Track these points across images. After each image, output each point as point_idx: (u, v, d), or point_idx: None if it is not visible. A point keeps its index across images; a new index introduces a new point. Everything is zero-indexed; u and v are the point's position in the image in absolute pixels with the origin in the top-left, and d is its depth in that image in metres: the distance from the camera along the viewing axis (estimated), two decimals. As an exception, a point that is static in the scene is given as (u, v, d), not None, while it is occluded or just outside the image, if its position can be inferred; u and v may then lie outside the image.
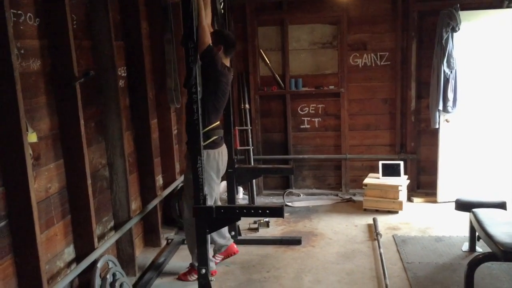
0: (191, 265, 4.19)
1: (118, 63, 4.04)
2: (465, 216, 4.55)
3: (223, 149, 4.15)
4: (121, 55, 4.33)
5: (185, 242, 4.47)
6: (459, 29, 5.42)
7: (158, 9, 4.93)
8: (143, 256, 4.67)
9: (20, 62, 2.87)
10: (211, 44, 3.77)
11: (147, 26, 4.90)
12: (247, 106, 6.33)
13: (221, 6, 4.49)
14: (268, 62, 6.34)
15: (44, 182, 3.13)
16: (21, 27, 2.94)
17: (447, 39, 5.45)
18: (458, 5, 5.43)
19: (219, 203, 4.37)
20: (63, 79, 3.23)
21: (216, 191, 4.11)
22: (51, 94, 3.23)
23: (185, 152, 4.28)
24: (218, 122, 4.09)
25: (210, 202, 3.92)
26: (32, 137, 2.88)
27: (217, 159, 4.01)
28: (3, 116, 2.64)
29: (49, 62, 3.20)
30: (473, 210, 4.13)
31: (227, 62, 4.08)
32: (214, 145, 3.95)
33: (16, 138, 2.65)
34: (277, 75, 6.35)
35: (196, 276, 3.76)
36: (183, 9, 3.20)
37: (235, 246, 4.45)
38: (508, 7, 5.52)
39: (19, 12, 2.92)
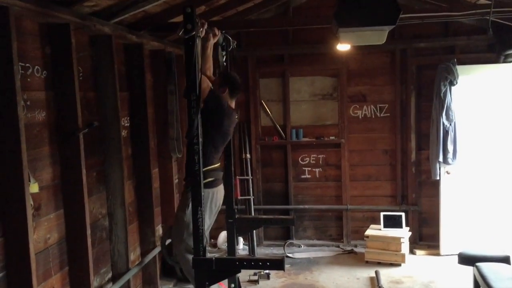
0: None
1: (122, 113, 4.10)
2: (469, 270, 4.47)
3: (220, 189, 4.07)
4: (125, 106, 4.40)
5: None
6: (457, 82, 5.53)
7: (162, 61, 5.06)
8: (140, 308, 4.57)
9: (25, 113, 2.92)
10: (212, 88, 3.81)
11: (151, 78, 5.01)
12: (248, 155, 6.36)
13: (224, 59, 4.60)
14: (269, 113, 6.42)
15: (43, 233, 3.11)
16: (28, 79, 3.01)
17: (445, 93, 5.54)
18: (455, 59, 5.56)
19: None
20: (67, 129, 3.27)
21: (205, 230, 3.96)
22: (54, 144, 3.26)
23: (182, 189, 4.19)
24: (218, 164, 4.03)
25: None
26: (33, 187, 2.89)
27: (210, 198, 3.93)
28: (6, 166, 2.67)
29: (54, 113, 3.25)
30: (477, 264, 4.06)
31: (232, 104, 4.10)
32: (209, 184, 3.85)
33: (17, 189, 2.66)
34: (278, 126, 6.42)
35: None
36: (186, 62, 3.28)
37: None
38: (504, 62, 5.64)
39: (27, 65, 3.00)
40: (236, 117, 4.17)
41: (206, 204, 3.88)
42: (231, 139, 4.25)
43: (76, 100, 3.28)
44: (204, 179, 3.74)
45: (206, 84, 3.75)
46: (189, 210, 3.83)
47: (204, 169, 3.68)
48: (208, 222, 3.91)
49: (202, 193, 3.54)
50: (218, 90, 3.91)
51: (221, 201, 4.16)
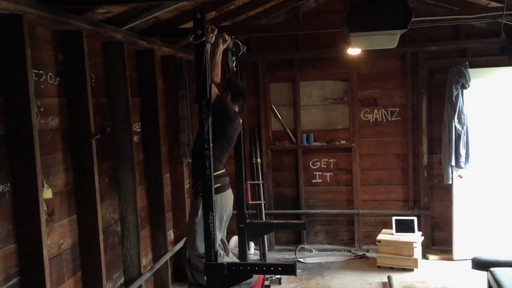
0: None
1: (134, 119, 4.13)
2: (483, 275, 4.42)
3: (228, 194, 4.06)
4: (136, 111, 4.43)
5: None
6: (469, 86, 5.49)
7: (173, 67, 5.09)
8: (152, 314, 4.57)
9: (39, 120, 2.95)
10: (218, 94, 3.82)
11: (162, 83, 5.03)
12: (259, 160, 6.36)
13: (233, 64, 4.61)
14: (280, 117, 6.42)
15: (56, 238, 3.13)
16: (42, 86, 3.04)
17: (457, 96, 5.51)
18: (467, 63, 5.53)
19: (219, 251, 4.20)
20: (80, 135, 3.30)
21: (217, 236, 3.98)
22: (67, 150, 3.29)
23: (190, 198, 4.15)
24: (223, 170, 4.03)
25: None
26: (47, 193, 2.91)
27: (219, 204, 3.88)
28: (20, 172, 2.69)
29: (67, 119, 3.28)
30: (491, 269, 4.02)
31: (235, 108, 4.08)
32: (217, 190, 3.71)
33: (32, 195, 2.69)
34: (288, 130, 6.42)
35: None
36: (196, 67, 3.30)
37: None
38: (516, 64, 5.60)
39: (40, 72, 3.03)
40: (240, 121, 4.15)
41: (215, 210, 3.84)
42: (237, 145, 4.23)
43: (89, 106, 3.30)
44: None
45: (213, 91, 3.74)
46: (198, 218, 3.85)
47: None
48: (219, 232, 3.90)
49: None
50: (221, 94, 3.92)
51: (231, 207, 4.15)
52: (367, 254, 6.13)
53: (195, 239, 3.93)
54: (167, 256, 4.72)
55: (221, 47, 3.90)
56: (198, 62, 3.25)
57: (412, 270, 5.52)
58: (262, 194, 6.31)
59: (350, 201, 6.38)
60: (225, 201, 4.05)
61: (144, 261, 4.35)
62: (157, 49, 4.61)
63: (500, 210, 5.64)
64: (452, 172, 5.66)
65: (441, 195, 6.10)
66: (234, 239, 6.06)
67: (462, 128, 5.55)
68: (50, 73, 3.12)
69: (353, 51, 5.43)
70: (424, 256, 5.89)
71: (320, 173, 6.44)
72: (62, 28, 3.16)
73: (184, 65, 5.15)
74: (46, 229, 2.86)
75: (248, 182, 6.19)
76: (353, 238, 6.39)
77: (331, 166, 6.41)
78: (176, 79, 5.10)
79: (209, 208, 3.31)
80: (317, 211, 6.43)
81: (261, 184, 6.32)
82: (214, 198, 3.74)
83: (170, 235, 5.14)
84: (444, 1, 5.45)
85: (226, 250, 4.21)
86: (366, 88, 6.23)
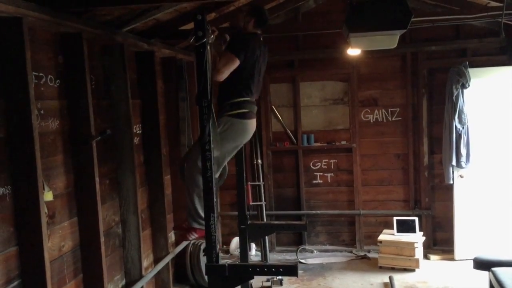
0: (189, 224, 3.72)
1: (134, 121, 4.12)
2: (485, 275, 4.41)
3: (252, 123, 3.86)
4: (137, 113, 4.42)
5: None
6: (469, 85, 5.49)
7: (173, 68, 5.09)
8: (154, 315, 4.57)
9: (39, 122, 2.94)
10: (233, 53, 3.63)
11: (162, 85, 5.03)
12: (259, 161, 6.36)
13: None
14: (280, 118, 6.42)
15: (57, 241, 3.13)
16: (42, 89, 3.04)
17: (457, 96, 5.50)
18: (467, 62, 5.52)
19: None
20: (80, 138, 3.30)
21: (226, 160, 3.80)
22: (68, 153, 3.29)
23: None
24: (250, 99, 3.81)
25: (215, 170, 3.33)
26: (48, 195, 2.91)
27: (241, 129, 3.74)
28: (21, 175, 2.69)
29: (67, 121, 3.28)
30: (493, 269, 4.01)
31: (258, 31, 3.92)
32: (243, 115, 3.71)
33: (32, 197, 2.69)
34: (289, 131, 6.41)
35: (196, 235, 3.59)
36: (197, 68, 3.29)
37: None
38: (517, 64, 5.60)
39: (41, 74, 3.03)
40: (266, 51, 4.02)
41: (233, 133, 3.73)
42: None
43: (89, 108, 3.30)
44: (238, 109, 3.69)
45: (231, 60, 3.59)
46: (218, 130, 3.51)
47: (236, 100, 3.67)
48: (229, 156, 3.77)
49: (231, 122, 3.58)
50: (243, 19, 3.80)
51: (250, 136, 3.95)
52: (369, 255, 6.12)
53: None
54: (168, 258, 4.72)
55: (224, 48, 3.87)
56: (199, 64, 3.24)
57: (413, 270, 5.51)
58: (263, 195, 6.30)
59: (351, 201, 6.37)
60: (247, 129, 3.83)
61: (145, 263, 4.34)
62: (157, 51, 4.61)
63: (502, 209, 5.63)
64: (453, 172, 5.66)
65: (442, 195, 6.09)
66: (235, 240, 6.06)
67: (463, 127, 5.55)
68: (50, 76, 3.12)
69: (353, 52, 5.43)
70: (426, 256, 5.88)
71: (321, 173, 6.44)
72: (62, 30, 3.16)
73: (184, 67, 5.15)
74: (47, 232, 2.86)
75: (249, 183, 6.18)
76: (354, 238, 6.38)
77: (332, 167, 6.40)
78: (176, 81, 5.10)
79: (210, 209, 3.29)
80: (318, 211, 6.43)
81: (262, 185, 6.32)
82: (237, 122, 3.68)
83: (171, 236, 5.13)
84: (443, 1, 5.44)
85: (223, 174, 3.99)
86: (366, 88, 6.23)
